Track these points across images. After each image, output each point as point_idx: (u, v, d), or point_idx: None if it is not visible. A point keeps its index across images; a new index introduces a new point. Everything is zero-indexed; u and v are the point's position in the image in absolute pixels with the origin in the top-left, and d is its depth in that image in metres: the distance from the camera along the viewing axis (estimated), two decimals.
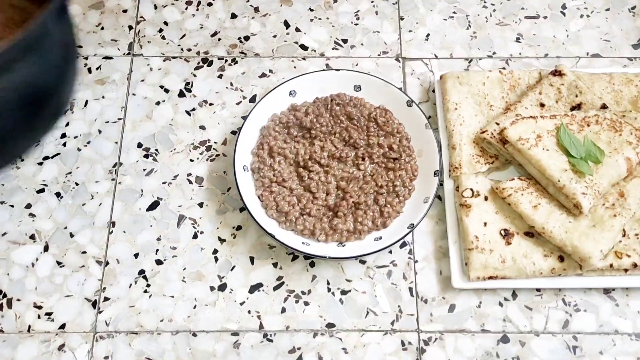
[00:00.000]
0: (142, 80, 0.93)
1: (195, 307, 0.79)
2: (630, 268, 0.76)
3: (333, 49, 0.96)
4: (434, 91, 0.91)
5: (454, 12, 0.99)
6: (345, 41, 0.97)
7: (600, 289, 0.80)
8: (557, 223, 0.77)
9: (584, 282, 0.78)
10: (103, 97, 0.91)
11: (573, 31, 0.98)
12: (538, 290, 0.80)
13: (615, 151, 0.79)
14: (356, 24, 0.98)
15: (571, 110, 0.85)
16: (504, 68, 0.94)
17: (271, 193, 0.82)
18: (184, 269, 0.81)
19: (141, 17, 0.98)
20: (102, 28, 0.97)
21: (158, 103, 0.91)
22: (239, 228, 0.84)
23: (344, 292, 0.80)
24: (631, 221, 0.78)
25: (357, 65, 0.95)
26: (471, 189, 0.81)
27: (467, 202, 0.81)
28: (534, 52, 0.96)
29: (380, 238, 0.80)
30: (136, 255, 0.81)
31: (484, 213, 0.80)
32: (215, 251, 0.82)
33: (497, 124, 0.83)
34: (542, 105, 0.86)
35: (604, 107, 0.84)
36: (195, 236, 0.83)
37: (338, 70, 0.89)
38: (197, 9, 0.99)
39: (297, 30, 0.98)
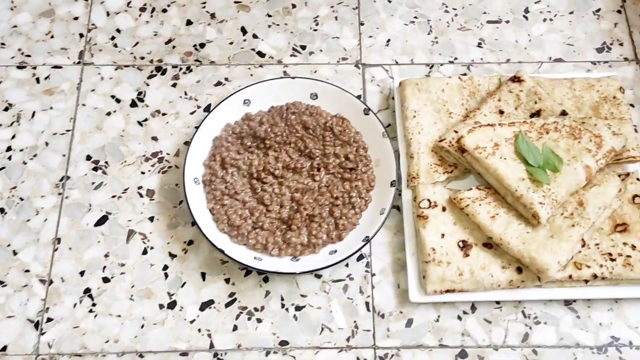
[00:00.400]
0: (93, 90, 0.90)
1: (142, 326, 0.76)
2: (590, 279, 0.74)
3: (291, 55, 0.94)
4: (393, 98, 0.89)
5: (415, 17, 0.97)
6: (303, 47, 0.95)
7: (561, 300, 0.78)
8: (515, 234, 0.75)
9: (544, 293, 0.76)
10: (51, 107, 0.88)
11: (536, 35, 0.96)
12: (498, 302, 0.78)
13: (574, 159, 0.77)
14: (315, 30, 0.96)
15: (530, 117, 0.83)
16: (465, 74, 0.92)
17: (223, 206, 0.80)
18: (132, 286, 0.78)
19: (93, 24, 0.95)
20: (52, 36, 0.94)
21: (109, 113, 0.88)
22: (190, 243, 0.81)
23: (298, 308, 0.78)
24: (591, 231, 0.76)
25: (315, 72, 0.92)
26: (428, 200, 0.79)
27: (424, 213, 0.78)
28: (496, 58, 0.94)
29: (336, 251, 0.78)
30: (82, 273, 0.79)
31: (442, 224, 0.78)
32: (165, 267, 0.80)
33: (456, 132, 0.81)
34: (501, 112, 0.83)
35: (563, 113, 0.82)
36: (145, 252, 0.80)
37: (294, 78, 0.87)
38: (151, 16, 0.96)
39: (255, 36, 0.95)
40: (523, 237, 0.75)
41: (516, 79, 0.85)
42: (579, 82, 0.86)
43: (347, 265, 0.80)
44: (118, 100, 0.89)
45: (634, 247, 0.75)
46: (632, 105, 0.90)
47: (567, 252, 0.73)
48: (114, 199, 0.83)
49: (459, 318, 0.77)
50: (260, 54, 0.94)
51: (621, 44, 0.95)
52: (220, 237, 0.78)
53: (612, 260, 0.75)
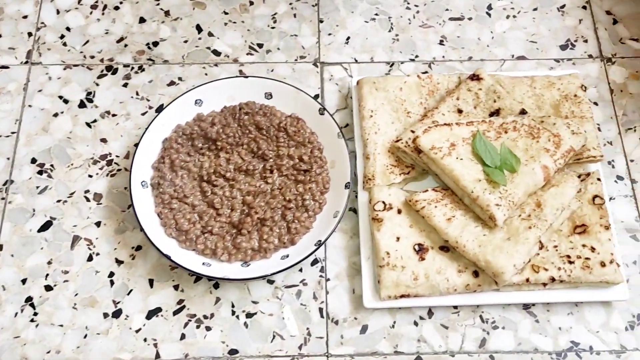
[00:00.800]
0: (40, 91, 0.87)
1: (86, 336, 0.73)
2: (549, 282, 0.72)
3: (247, 54, 0.91)
4: (352, 97, 0.86)
5: (376, 14, 0.95)
6: (260, 46, 0.92)
7: (520, 304, 0.76)
8: (472, 236, 0.73)
9: (502, 297, 0.74)
10: None
11: (498, 32, 0.93)
12: (455, 307, 0.76)
13: (532, 159, 0.75)
14: (273, 28, 0.93)
15: (490, 116, 0.81)
16: (426, 72, 0.90)
17: (171, 210, 0.77)
18: (76, 294, 0.75)
19: (42, 22, 0.92)
20: (0, 36, 0.91)
21: (56, 115, 0.85)
22: (138, 248, 0.78)
23: (249, 315, 0.75)
24: (549, 232, 0.74)
25: (272, 71, 0.90)
26: (383, 202, 0.77)
27: (379, 215, 0.76)
28: (458, 55, 0.92)
29: (288, 256, 0.75)
30: (24, 281, 0.75)
31: (397, 227, 0.75)
32: (111, 274, 0.77)
33: (413, 131, 0.79)
34: (459, 111, 0.81)
35: (523, 112, 0.80)
36: (90, 258, 0.77)
37: (247, 77, 0.84)
38: (103, 13, 0.93)
39: (210, 34, 0.92)
40: (479, 240, 0.72)
41: (475, 77, 0.82)
42: (539, 80, 0.83)
43: (300, 270, 0.78)
44: (66, 101, 0.86)
45: (593, 249, 0.73)
46: (595, 103, 0.88)
47: (524, 255, 0.71)
48: (59, 204, 0.80)
49: (415, 324, 0.75)
50: (216, 53, 0.91)
51: (585, 41, 0.93)
52: (167, 243, 0.75)
53: (571, 262, 0.72)
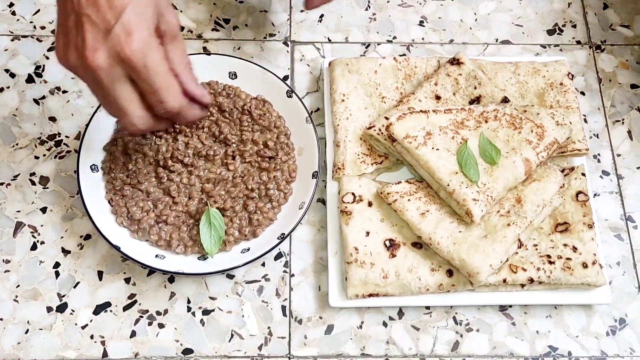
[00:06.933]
0: None
1: (27, 331, 0.67)
2: (527, 283, 0.68)
3: (213, 30, 0.85)
4: (324, 80, 0.80)
5: None
6: (227, 21, 0.85)
7: (496, 306, 0.71)
8: (446, 233, 0.68)
9: (477, 298, 0.69)
10: None
11: (482, 14, 0.88)
12: (427, 308, 0.71)
13: (513, 151, 0.70)
14: (241, 2, 0.86)
15: (470, 104, 0.75)
16: (403, 54, 0.84)
17: (122, 197, 0.71)
18: (18, 286, 0.69)
19: None
20: None
21: (1, 90, 0.78)
22: (87, 237, 0.72)
23: (206, 312, 0.70)
24: (528, 230, 0.69)
25: (239, 49, 0.83)
26: (353, 193, 0.71)
27: (348, 208, 0.71)
28: (438, 38, 0.86)
29: (248, 249, 0.70)
30: None
31: (367, 221, 0.70)
32: (57, 265, 0.71)
33: (387, 118, 0.73)
34: (437, 97, 0.76)
35: (505, 100, 0.75)
36: (34, 247, 0.71)
37: (209, 54, 0.77)
38: None
39: (173, 7, 0.85)
40: (454, 236, 0.67)
41: (455, 62, 0.77)
42: (524, 67, 0.78)
43: (263, 264, 0.72)
44: (13, 75, 0.79)
45: (575, 249, 0.69)
46: (582, 93, 0.83)
47: (501, 254, 0.66)
48: (1, 187, 0.73)
49: (385, 324, 0.70)
50: None
51: (574, 26, 0.88)
52: (118, 232, 0.69)
53: (551, 263, 0.68)
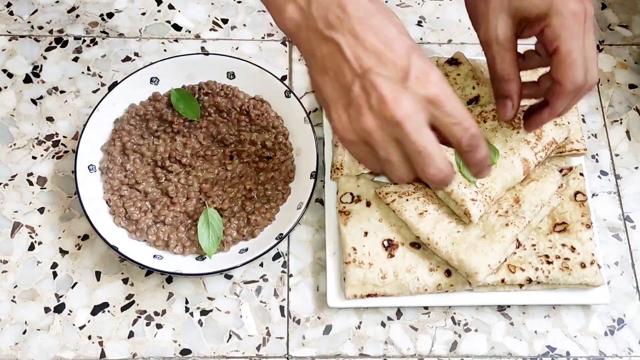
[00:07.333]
0: None
1: (25, 332, 0.67)
2: (525, 283, 0.68)
3: (211, 30, 0.84)
4: None
5: None
6: (225, 21, 0.85)
7: (494, 306, 0.71)
8: (444, 233, 0.67)
9: (475, 298, 0.69)
10: None
11: None
12: (426, 308, 0.71)
13: (512, 151, 0.70)
14: (239, 2, 0.86)
15: (468, 104, 0.75)
16: None
17: (120, 197, 0.70)
18: (15, 286, 0.69)
19: None
20: None
21: None
22: (85, 238, 0.72)
23: (204, 312, 0.70)
24: (527, 230, 0.69)
25: (237, 49, 0.83)
26: (351, 193, 0.71)
27: (346, 208, 0.70)
28: (437, 38, 0.86)
29: (247, 250, 0.69)
30: None
31: (365, 221, 0.70)
32: (54, 265, 0.70)
33: None
34: None
35: None
36: (31, 247, 0.71)
37: (207, 54, 0.77)
38: None
39: (171, 7, 0.85)
40: (453, 236, 0.67)
41: (454, 62, 0.77)
42: None
43: (261, 265, 0.72)
44: (10, 75, 0.79)
45: (573, 249, 0.69)
46: None
47: (499, 255, 0.66)
48: None
49: (383, 325, 0.70)
50: (176, 27, 0.84)
51: None
52: (116, 233, 0.69)
53: (549, 263, 0.68)
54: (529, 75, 0.70)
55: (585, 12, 0.59)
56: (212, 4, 0.86)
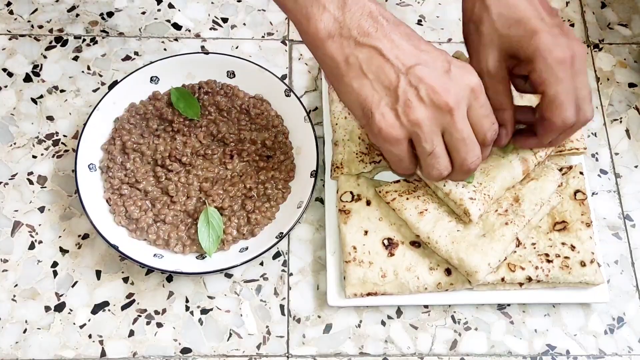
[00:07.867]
0: None
1: (25, 331, 0.67)
2: (525, 282, 0.68)
3: (211, 29, 0.84)
4: (322, 79, 0.80)
5: None
6: (225, 20, 0.85)
7: (494, 304, 0.71)
8: (444, 232, 0.68)
9: (475, 297, 0.69)
10: None
11: None
12: (426, 307, 0.71)
13: (511, 151, 0.70)
14: (239, 1, 0.86)
15: None
16: None
17: (120, 196, 0.70)
18: (15, 285, 0.69)
19: None
20: None
21: None
22: (85, 237, 0.72)
23: (204, 311, 0.70)
24: (527, 229, 0.69)
25: (237, 48, 0.83)
26: (351, 192, 0.71)
27: (346, 207, 0.70)
28: (437, 37, 0.86)
29: (247, 248, 0.70)
30: None
31: (365, 220, 0.70)
32: (55, 264, 0.70)
33: None
34: None
35: None
36: (32, 246, 0.71)
37: (207, 53, 0.77)
38: None
39: (171, 6, 0.85)
40: (453, 235, 0.67)
41: None
42: None
43: (261, 263, 0.72)
44: (10, 74, 0.79)
45: (573, 247, 0.69)
46: None
47: (499, 253, 0.66)
48: None
49: (383, 323, 0.70)
50: (176, 26, 0.84)
51: (572, 25, 0.88)
52: (116, 232, 0.69)
53: (549, 261, 0.68)
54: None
55: (573, 56, 0.58)
56: (212, 3, 0.86)
